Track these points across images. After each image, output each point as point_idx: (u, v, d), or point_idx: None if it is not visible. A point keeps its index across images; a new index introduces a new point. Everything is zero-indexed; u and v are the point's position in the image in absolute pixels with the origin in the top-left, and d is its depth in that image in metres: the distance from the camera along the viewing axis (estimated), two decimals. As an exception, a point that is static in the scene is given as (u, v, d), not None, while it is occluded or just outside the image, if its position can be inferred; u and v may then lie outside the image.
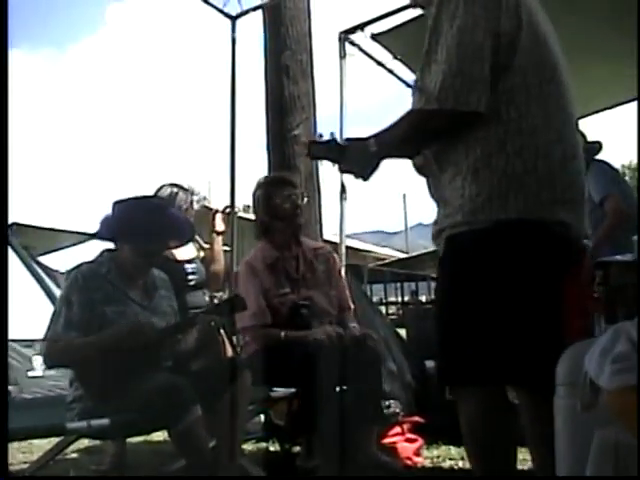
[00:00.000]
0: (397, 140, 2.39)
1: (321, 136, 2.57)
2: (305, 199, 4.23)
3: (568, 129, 2.34)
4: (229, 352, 4.65)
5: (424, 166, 2.51)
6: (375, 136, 2.39)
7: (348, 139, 2.55)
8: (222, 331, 3.81)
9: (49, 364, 3.33)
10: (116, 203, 3.31)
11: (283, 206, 4.10)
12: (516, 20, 2.23)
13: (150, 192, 4.52)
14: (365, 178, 2.47)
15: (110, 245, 3.39)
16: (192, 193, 5.63)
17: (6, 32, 2.75)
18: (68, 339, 3.06)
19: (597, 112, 6.93)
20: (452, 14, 2.21)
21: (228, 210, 4.88)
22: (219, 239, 4.94)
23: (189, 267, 4.59)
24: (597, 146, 5.43)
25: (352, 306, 4.28)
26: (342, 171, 2.66)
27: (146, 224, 3.28)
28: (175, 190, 4.79)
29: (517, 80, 2.23)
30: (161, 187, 4.81)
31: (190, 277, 4.56)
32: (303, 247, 4.24)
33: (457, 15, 2.20)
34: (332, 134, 2.54)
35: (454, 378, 2.35)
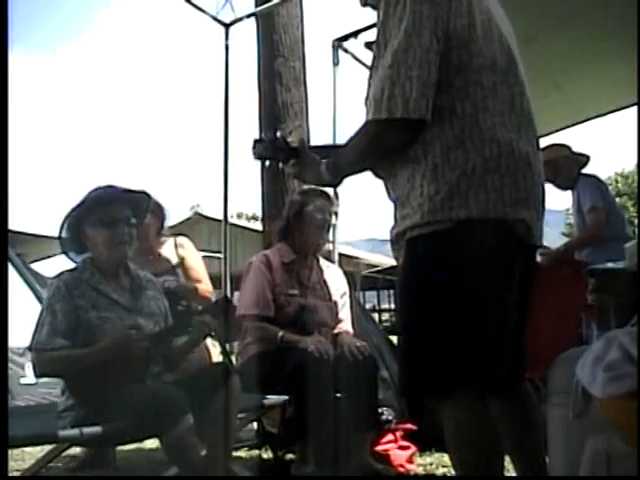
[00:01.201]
0: (354, 160, 2.33)
1: (267, 136, 2.48)
2: (336, 218, 4.29)
3: (524, 132, 2.24)
4: (214, 357, 4.67)
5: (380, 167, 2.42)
6: (328, 160, 2.34)
7: (302, 142, 2.50)
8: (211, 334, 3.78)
9: (38, 373, 3.31)
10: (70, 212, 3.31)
11: (315, 215, 4.18)
12: (468, 20, 2.15)
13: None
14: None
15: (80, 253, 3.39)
16: None
17: (6, 33, 2.75)
18: (56, 349, 3.04)
19: (590, 119, 6.97)
20: (399, 17, 2.12)
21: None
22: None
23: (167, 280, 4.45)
24: (585, 159, 5.55)
25: (351, 331, 4.32)
26: (288, 174, 2.58)
27: (101, 205, 3.27)
28: None
29: (472, 78, 2.15)
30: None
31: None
32: (319, 261, 4.37)
33: (404, 18, 2.10)
34: (281, 134, 2.48)
35: (428, 388, 2.28)
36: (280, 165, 2.48)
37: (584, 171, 5.52)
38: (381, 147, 2.23)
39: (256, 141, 2.47)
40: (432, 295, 2.16)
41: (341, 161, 2.34)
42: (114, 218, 3.27)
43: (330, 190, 4.41)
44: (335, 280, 4.39)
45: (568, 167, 5.46)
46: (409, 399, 2.39)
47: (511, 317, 2.19)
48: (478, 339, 2.11)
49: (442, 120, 2.13)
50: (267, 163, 2.49)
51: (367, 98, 2.25)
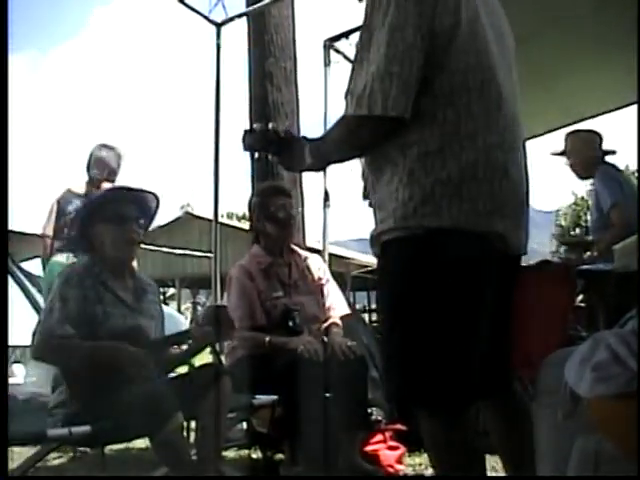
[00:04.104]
0: (332, 149, 2.31)
1: (258, 127, 2.40)
2: (298, 209, 4.28)
3: (509, 133, 2.21)
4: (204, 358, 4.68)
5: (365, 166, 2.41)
6: (310, 146, 2.32)
7: (287, 132, 2.47)
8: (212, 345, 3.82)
9: (37, 356, 3.29)
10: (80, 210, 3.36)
11: (277, 214, 4.18)
12: (454, 18, 2.10)
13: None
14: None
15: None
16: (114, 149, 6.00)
17: (6, 33, 2.74)
18: (64, 333, 3.05)
19: (578, 122, 7.00)
20: (384, 10, 2.08)
21: None
22: None
23: None
24: (612, 151, 5.43)
25: (340, 313, 4.32)
26: (276, 163, 2.52)
27: (111, 203, 3.36)
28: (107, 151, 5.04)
29: (457, 80, 2.11)
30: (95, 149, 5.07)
31: None
32: (296, 255, 4.35)
33: (389, 12, 2.07)
34: (273, 125, 2.42)
35: (396, 396, 2.31)
36: (270, 157, 2.44)
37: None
38: (358, 141, 2.23)
39: (246, 132, 2.41)
40: (400, 301, 2.15)
41: (321, 147, 2.32)
42: (123, 217, 3.33)
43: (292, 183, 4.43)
44: (316, 270, 4.37)
45: (586, 156, 5.32)
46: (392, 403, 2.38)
47: (481, 328, 2.15)
48: (443, 349, 2.09)
49: (423, 126, 2.10)
50: (256, 155, 2.41)
51: (347, 91, 2.22)
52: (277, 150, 2.41)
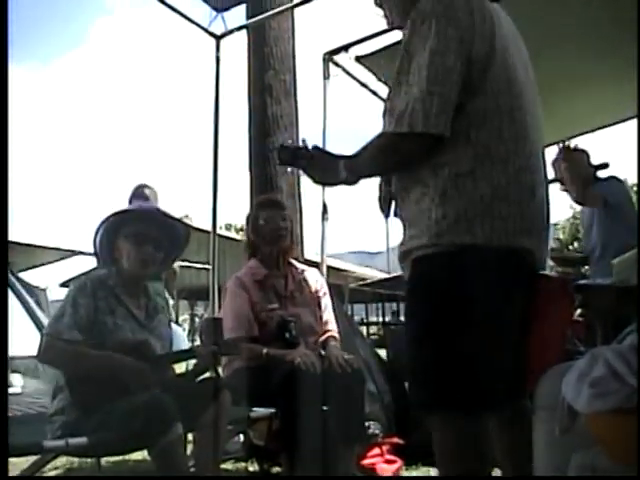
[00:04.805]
0: (368, 165, 2.39)
1: (292, 143, 2.51)
2: (289, 222, 4.28)
3: (535, 158, 2.33)
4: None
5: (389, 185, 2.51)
6: (345, 160, 2.39)
7: (316, 147, 2.52)
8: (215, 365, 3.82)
9: (45, 359, 3.30)
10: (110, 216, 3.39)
11: (266, 227, 4.20)
12: (489, 46, 2.22)
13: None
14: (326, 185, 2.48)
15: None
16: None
17: (6, 35, 2.75)
18: (72, 342, 3.08)
19: (575, 136, 7.03)
20: (425, 35, 2.19)
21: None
22: None
23: None
24: (604, 164, 5.41)
25: (337, 329, 4.31)
26: (307, 175, 2.60)
27: (135, 220, 3.40)
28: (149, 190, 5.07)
29: (490, 104, 2.22)
30: (137, 187, 5.05)
31: None
32: (292, 267, 4.34)
33: (430, 37, 2.17)
34: (304, 141, 2.50)
35: (425, 404, 2.31)
36: (301, 172, 2.50)
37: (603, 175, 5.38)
38: (396, 158, 2.32)
39: (281, 148, 2.51)
40: (432, 314, 2.22)
41: (358, 162, 2.39)
42: (144, 236, 3.37)
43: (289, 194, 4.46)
44: (313, 282, 4.37)
45: (580, 178, 5.32)
46: (415, 410, 2.42)
47: (509, 340, 2.23)
48: (472, 360, 2.15)
49: (456, 146, 2.19)
50: (289, 169, 2.50)
51: (385, 111, 2.34)
52: (306, 165, 2.47)
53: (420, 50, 2.19)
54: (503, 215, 2.18)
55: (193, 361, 3.53)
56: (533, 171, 2.30)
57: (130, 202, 6.01)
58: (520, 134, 2.27)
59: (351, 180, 2.45)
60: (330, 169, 2.42)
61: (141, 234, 3.36)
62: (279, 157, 2.52)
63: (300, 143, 2.51)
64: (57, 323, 3.14)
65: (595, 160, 5.43)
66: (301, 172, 2.54)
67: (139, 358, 3.12)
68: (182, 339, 6.16)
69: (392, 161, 2.34)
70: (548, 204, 2.41)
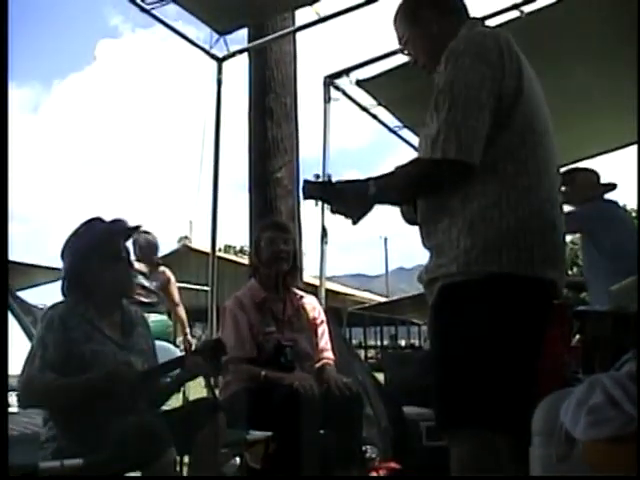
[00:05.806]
0: (399, 187, 2.47)
1: (317, 177, 2.53)
2: (292, 245, 4.29)
3: (554, 192, 2.43)
4: (198, 393, 4.67)
5: (412, 213, 2.59)
6: (375, 179, 2.43)
7: (340, 181, 2.53)
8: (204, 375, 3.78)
9: (24, 405, 3.27)
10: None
11: (266, 249, 4.21)
12: (517, 85, 2.33)
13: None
14: (355, 221, 2.48)
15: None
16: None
17: (6, 37, 2.76)
18: (44, 380, 3.00)
19: (587, 158, 7.07)
20: (460, 71, 2.31)
21: None
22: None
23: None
24: (611, 186, 5.31)
25: (333, 357, 4.31)
26: (333, 212, 2.62)
27: (108, 239, 3.29)
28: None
29: (516, 139, 2.32)
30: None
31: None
32: (292, 293, 4.35)
33: (464, 72, 2.30)
34: (329, 175, 2.56)
35: (448, 422, 2.37)
36: (327, 205, 2.52)
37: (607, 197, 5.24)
38: (428, 183, 2.41)
39: (306, 182, 2.51)
40: (458, 339, 2.30)
41: (388, 181, 2.46)
42: (120, 253, 3.31)
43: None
44: (311, 310, 4.37)
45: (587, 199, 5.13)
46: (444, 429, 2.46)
47: (531, 364, 2.28)
48: (497, 381, 2.23)
49: (484, 178, 2.29)
50: (316, 203, 2.49)
51: (421, 142, 2.49)
52: (331, 199, 2.49)
53: (455, 85, 2.30)
54: (527, 245, 2.28)
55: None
56: (553, 204, 2.40)
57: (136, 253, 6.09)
58: (542, 168, 2.37)
59: (379, 199, 2.47)
60: (359, 193, 2.44)
61: (116, 252, 3.29)
62: (304, 192, 2.53)
63: (326, 178, 2.54)
64: (29, 368, 3.04)
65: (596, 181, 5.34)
66: (329, 208, 2.54)
67: (122, 382, 3.02)
68: (172, 353, 6.17)
69: (424, 185, 2.44)
70: (565, 236, 2.51)
